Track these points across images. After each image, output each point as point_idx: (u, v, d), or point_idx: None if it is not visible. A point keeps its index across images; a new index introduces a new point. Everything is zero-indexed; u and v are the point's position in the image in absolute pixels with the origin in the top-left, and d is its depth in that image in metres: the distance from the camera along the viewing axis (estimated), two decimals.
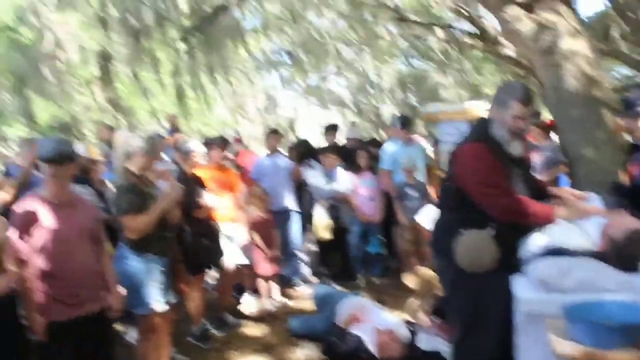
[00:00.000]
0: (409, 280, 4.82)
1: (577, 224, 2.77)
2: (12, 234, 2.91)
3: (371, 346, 4.08)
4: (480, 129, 3.00)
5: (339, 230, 6.31)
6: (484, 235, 2.81)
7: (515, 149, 2.92)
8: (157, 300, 3.66)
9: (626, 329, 1.94)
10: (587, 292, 2.33)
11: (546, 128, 6.62)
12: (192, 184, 4.78)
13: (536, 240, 2.74)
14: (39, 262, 2.97)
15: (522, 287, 2.57)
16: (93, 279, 3.19)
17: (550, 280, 2.46)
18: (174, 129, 7.42)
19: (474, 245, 2.83)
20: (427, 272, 4.61)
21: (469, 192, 2.87)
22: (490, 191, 2.81)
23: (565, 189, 3.30)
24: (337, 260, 6.58)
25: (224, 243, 5.09)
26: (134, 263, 3.63)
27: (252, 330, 5.12)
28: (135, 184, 3.68)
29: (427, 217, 5.17)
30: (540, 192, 3.09)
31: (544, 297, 2.43)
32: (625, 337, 1.93)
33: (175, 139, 6.71)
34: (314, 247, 6.83)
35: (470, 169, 2.89)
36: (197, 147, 5.02)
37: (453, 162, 3.04)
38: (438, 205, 3.42)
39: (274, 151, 6.44)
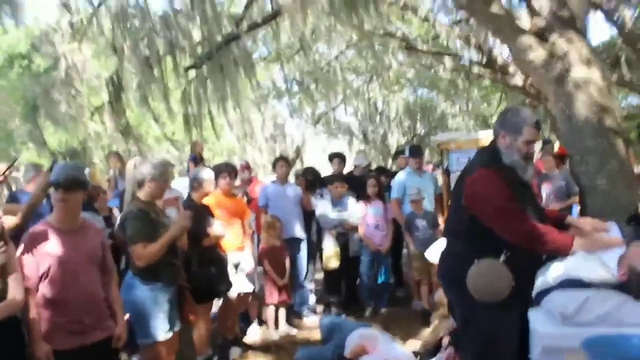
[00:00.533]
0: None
1: (596, 255, 2.69)
2: (20, 259, 2.87)
3: None
4: (490, 155, 2.93)
5: (347, 259, 6.24)
6: (498, 263, 2.73)
7: (527, 174, 2.88)
8: (162, 330, 3.60)
9: None
10: (609, 326, 2.26)
11: (558, 157, 6.58)
12: (200, 212, 4.75)
13: (553, 271, 2.67)
14: (44, 289, 2.93)
15: (539, 320, 2.50)
16: (99, 306, 3.15)
17: (570, 313, 2.39)
18: (198, 157, 7.26)
19: (488, 274, 2.74)
20: (441, 302, 4.53)
21: (484, 220, 2.78)
22: (509, 217, 2.73)
23: (585, 219, 3.22)
24: (344, 289, 6.49)
25: (231, 271, 5.03)
26: (141, 292, 3.58)
27: (257, 359, 5.03)
28: (145, 211, 3.65)
29: (437, 251, 5.09)
30: (554, 221, 3.01)
31: (563, 330, 2.36)
32: None
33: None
34: (321, 276, 6.76)
35: (484, 196, 2.79)
36: (207, 176, 5.00)
37: (461, 190, 2.97)
38: (445, 235, 3.33)
39: (282, 179, 6.41)
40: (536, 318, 2.52)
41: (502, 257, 2.73)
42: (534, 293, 2.73)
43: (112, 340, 3.18)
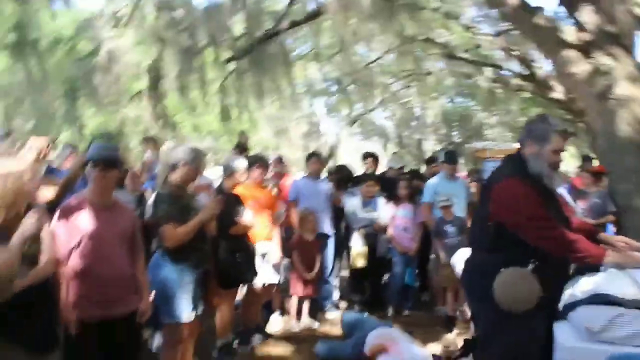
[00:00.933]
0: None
1: (627, 273, 2.64)
2: (54, 230, 2.94)
3: None
4: (516, 164, 2.90)
5: (374, 258, 6.23)
6: (526, 272, 2.69)
7: (553, 183, 2.85)
8: (186, 311, 3.66)
9: None
10: (636, 345, 2.21)
11: (596, 174, 6.45)
12: (231, 201, 4.79)
13: (582, 285, 2.63)
14: (73, 261, 3.01)
15: (565, 334, 2.46)
16: (125, 282, 3.21)
17: (597, 329, 2.34)
18: (242, 147, 7.25)
19: (516, 282, 2.70)
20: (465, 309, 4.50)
21: (513, 228, 2.75)
22: (540, 224, 2.68)
23: (619, 237, 3.14)
24: (368, 289, 6.47)
25: (257, 261, 5.07)
26: (168, 272, 3.66)
27: (277, 349, 5.07)
28: (176, 194, 3.73)
29: (461, 259, 5.04)
30: (586, 234, 2.95)
31: (588, 346, 2.31)
32: None
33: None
34: (346, 274, 6.76)
35: (513, 204, 2.76)
36: (240, 165, 5.05)
37: (488, 200, 2.92)
38: (470, 246, 3.29)
39: (314, 174, 6.42)
40: (561, 331, 2.48)
41: (530, 266, 2.70)
42: (560, 306, 2.68)
43: (136, 315, 3.24)
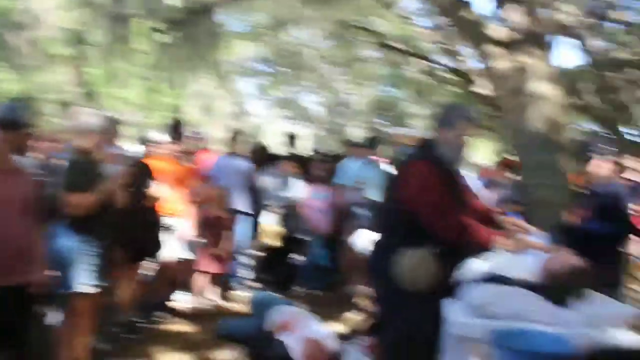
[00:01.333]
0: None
1: (517, 256, 2.76)
2: None
3: (297, 355, 3.99)
4: (425, 148, 3.02)
5: (288, 238, 6.23)
6: (425, 253, 2.78)
7: (458, 166, 2.99)
8: (85, 282, 3.53)
9: (549, 357, 1.93)
10: (518, 321, 2.31)
11: (509, 167, 6.71)
12: (142, 173, 4.68)
13: (475, 266, 2.72)
14: None
15: (453, 310, 2.53)
16: (20, 250, 3.07)
17: (484, 306, 2.43)
18: (176, 128, 6.95)
19: (416, 263, 2.79)
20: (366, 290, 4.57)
21: (416, 211, 2.83)
22: (439, 210, 2.79)
23: (510, 218, 3.32)
24: (281, 268, 6.47)
25: (166, 236, 4.98)
26: (67, 242, 3.52)
27: (181, 326, 5.02)
28: (83, 162, 3.59)
29: (361, 239, 5.11)
30: (483, 216, 3.08)
31: (473, 321, 2.40)
32: None
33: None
34: (259, 253, 6.74)
35: (418, 188, 2.85)
36: (156, 137, 4.94)
37: (396, 182, 3.00)
38: (377, 227, 3.37)
39: (234, 152, 6.34)
40: (451, 308, 2.56)
41: (430, 249, 2.78)
42: (454, 286, 2.77)
43: (30, 286, 3.11)
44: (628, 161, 5.70)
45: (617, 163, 4.38)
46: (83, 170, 3.56)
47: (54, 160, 5.15)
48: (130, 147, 6.29)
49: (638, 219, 6.27)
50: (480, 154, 13.60)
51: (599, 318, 2.25)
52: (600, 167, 3.91)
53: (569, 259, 2.63)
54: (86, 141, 3.65)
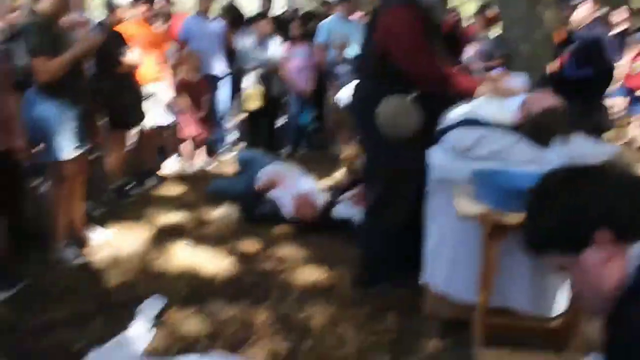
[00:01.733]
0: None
1: (499, 100, 2.77)
2: None
3: (287, 209, 4.13)
4: None
5: (269, 99, 6.20)
6: (407, 100, 2.78)
7: (439, 14, 2.88)
8: (68, 147, 3.46)
9: (525, 194, 2.01)
10: (497, 162, 2.38)
11: (489, 20, 6.56)
12: (114, 38, 4.51)
13: (456, 112, 2.73)
14: None
15: (436, 155, 2.59)
16: None
17: (464, 148, 2.48)
18: None
19: (397, 110, 2.78)
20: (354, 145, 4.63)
21: (393, 57, 2.77)
22: (419, 56, 2.74)
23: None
24: (265, 129, 6.49)
25: (146, 102, 4.90)
26: (44, 108, 3.38)
27: (172, 189, 5.09)
28: (45, 25, 3.37)
29: (344, 97, 5.08)
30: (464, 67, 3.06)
31: (455, 163, 2.46)
32: (523, 202, 1.99)
33: None
34: (242, 115, 6.72)
35: (397, 33, 2.76)
36: (123, 0, 4.69)
37: (374, 27, 2.88)
38: (357, 75, 3.29)
39: (204, 12, 6.05)
40: (434, 152, 2.61)
41: (412, 96, 2.78)
42: (437, 132, 2.80)
43: (11, 154, 3.10)
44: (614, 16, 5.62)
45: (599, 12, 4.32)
46: (46, 33, 3.33)
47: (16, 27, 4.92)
48: (98, 15, 6.00)
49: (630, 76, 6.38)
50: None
51: (579, 157, 2.28)
52: (581, 12, 3.85)
53: (547, 99, 2.63)
54: (45, 4, 3.37)
